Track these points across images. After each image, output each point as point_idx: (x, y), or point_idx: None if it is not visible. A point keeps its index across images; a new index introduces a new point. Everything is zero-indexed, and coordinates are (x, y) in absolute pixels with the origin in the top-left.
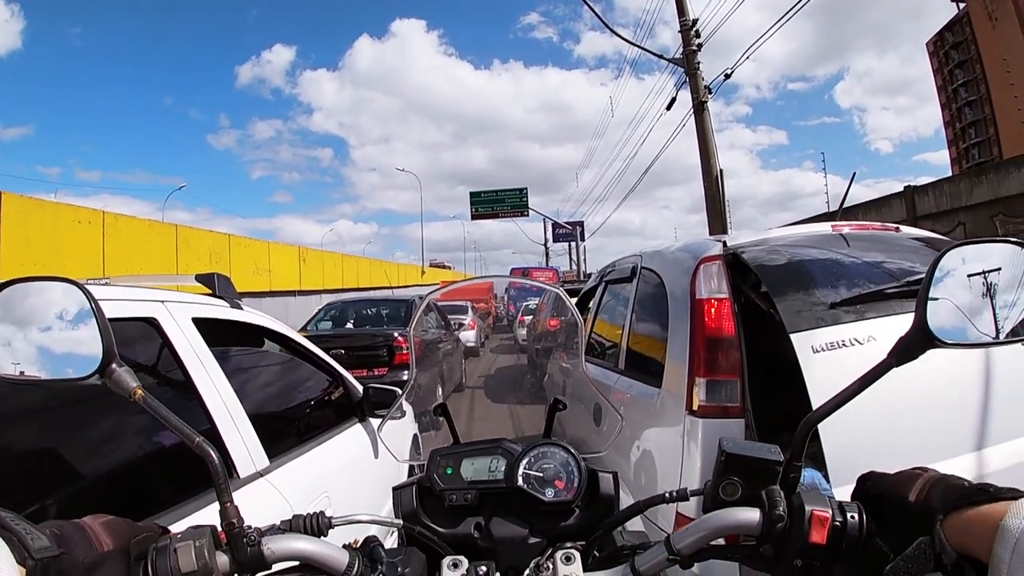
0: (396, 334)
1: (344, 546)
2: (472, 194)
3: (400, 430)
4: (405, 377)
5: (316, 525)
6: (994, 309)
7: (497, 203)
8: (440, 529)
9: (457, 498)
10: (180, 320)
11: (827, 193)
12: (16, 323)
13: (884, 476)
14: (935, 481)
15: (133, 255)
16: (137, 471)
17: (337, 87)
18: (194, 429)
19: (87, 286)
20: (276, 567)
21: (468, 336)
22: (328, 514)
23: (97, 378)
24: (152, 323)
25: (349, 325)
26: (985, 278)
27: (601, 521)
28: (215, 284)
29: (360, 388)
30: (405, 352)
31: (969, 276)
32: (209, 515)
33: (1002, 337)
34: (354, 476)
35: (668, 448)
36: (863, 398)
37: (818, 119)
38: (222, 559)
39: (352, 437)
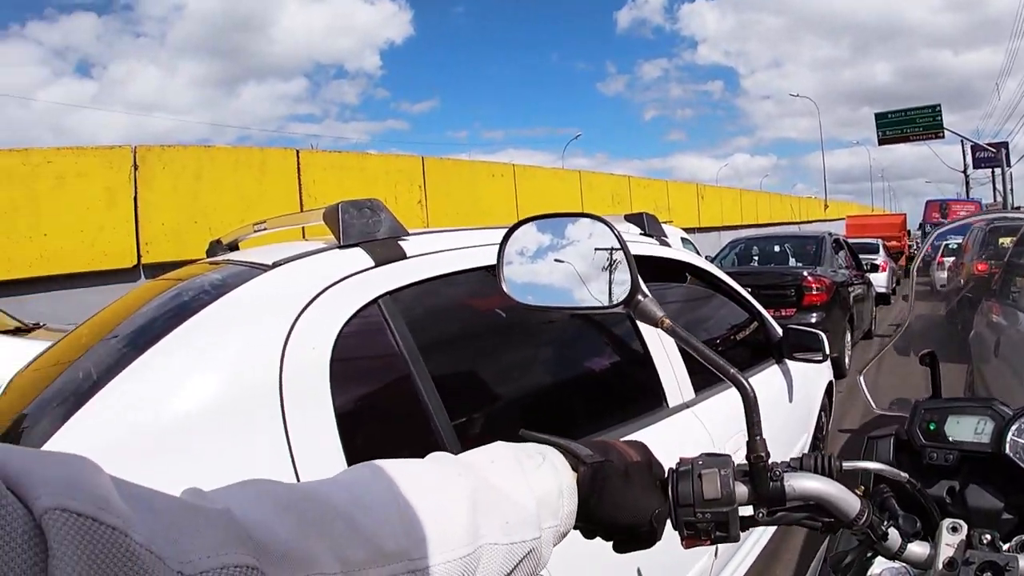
0: (805, 273)
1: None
2: (877, 116)
3: (815, 373)
4: (814, 319)
5: (828, 466)
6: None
7: (907, 124)
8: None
9: (937, 457)
10: None
11: None
12: (534, 257)
13: None
14: None
15: (541, 201)
16: (570, 396)
17: (719, 15)
18: (726, 360)
19: (608, 221)
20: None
21: (879, 279)
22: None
23: (623, 308)
24: None
25: (754, 263)
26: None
27: None
28: (644, 223)
29: (779, 329)
30: (815, 293)
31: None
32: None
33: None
34: (770, 418)
35: None
36: None
37: None
38: (741, 489)
39: (770, 378)
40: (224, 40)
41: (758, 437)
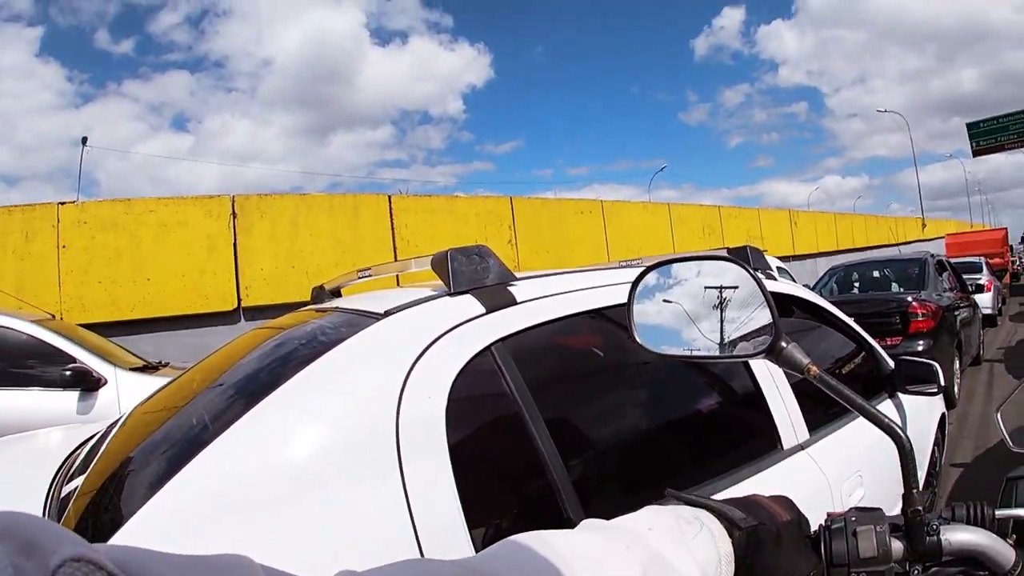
0: (910, 299)
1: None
2: (969, 125)
3: (927, 406)
4: (920, 348)
5: (980, 514)
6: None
7: (1000, 132)
8: None
9: None
10: None
11: None
12: (665, 303)
13: None
14: None
15: (631, 237)
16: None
17: (797, 35)
18: (879, 410)
19: (748, 271)
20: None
21: (984, 300)
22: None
23: (765, 356)
24: None
25: (855, 290)
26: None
27: None
28: (748, 257)
29: (890, 361)
30: (921, 319)
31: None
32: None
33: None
34: (883, 456)
35: None
36: None
37: None
38: (896, 546)
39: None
40: (312, 92)
41: (915, 490)
